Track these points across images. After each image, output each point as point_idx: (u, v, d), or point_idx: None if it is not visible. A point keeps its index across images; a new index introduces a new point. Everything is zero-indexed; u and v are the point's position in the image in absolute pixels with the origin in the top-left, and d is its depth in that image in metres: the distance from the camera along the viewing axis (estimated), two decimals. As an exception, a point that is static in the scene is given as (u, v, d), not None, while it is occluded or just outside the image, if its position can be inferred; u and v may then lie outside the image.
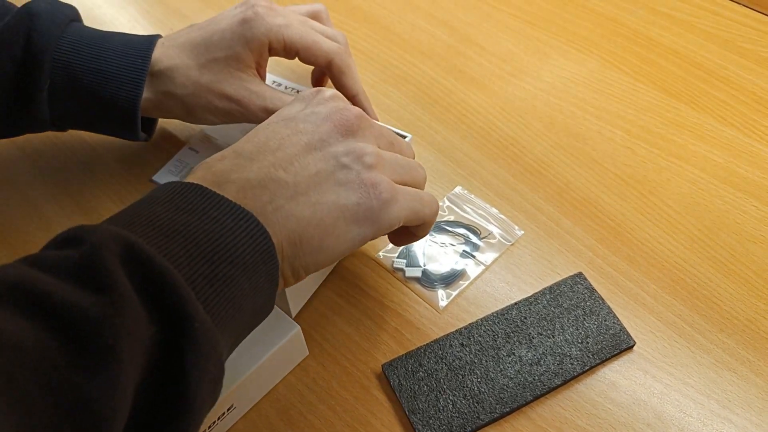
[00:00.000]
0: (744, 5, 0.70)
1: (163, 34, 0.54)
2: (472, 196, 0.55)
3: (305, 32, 0.52)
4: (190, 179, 0.38)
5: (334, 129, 0.40)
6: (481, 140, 0.60)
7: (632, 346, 0.47)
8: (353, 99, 0.55)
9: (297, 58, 0.54)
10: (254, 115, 0.52)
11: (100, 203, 0.57)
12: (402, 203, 0.40)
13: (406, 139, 0.52)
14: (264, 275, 0.36)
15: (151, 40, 0.52)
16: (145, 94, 0.51)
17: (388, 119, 0.62)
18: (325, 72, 0.56)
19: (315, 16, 0.57)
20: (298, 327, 0.44)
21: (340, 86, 0.55)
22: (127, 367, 0.27)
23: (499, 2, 0.73)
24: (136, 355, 0.28)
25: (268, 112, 0.51)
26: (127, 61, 0.51)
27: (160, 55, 0.52)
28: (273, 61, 0.62)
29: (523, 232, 0.53)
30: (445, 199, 0.55)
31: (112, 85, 0.50)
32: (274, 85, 0.64)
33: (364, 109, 0.55)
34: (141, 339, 0.28)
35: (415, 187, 0.43)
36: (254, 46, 0.51)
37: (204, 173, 0.38)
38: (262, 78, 0.55)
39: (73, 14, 0.53)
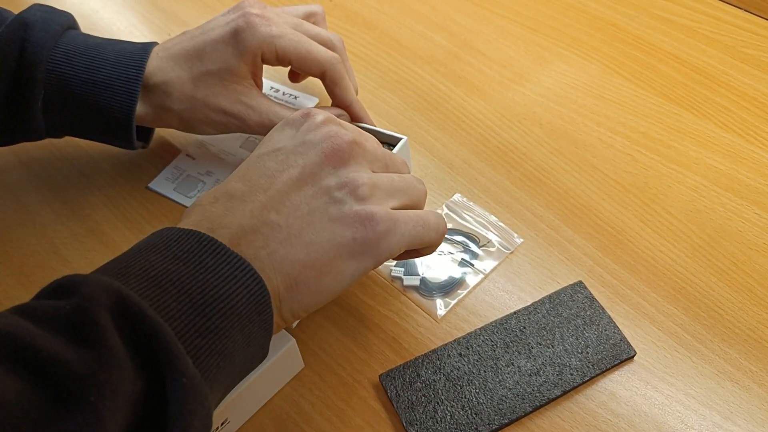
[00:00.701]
0: (746, 10, 0.69)
1: (160, 41, 0.54)
2: (471, 203, 0.55)
3: (299, 42, 0.51)
4: (186, 223, 0.37)
5: (325, 160, 0.39)
6: (480, 146, 0.59)
7: (633, 356, 0.46)
8: (347, 108, 0.55)
9: (290, 65, 0.53)
10: (251, 129, 0.53)
11: (96, 210, 0.57)
12: (402, 231, 0.39)
13: (402, 142, 0.52)
14: (258, 325, 0.35)
15: (145, 49, 0.51)
16: (141, 107, 0.51)
17: (387, 125, 0.61)
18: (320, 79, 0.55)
19: (310, 17, 0.57)
20: (293, 340, 0.44)
21: (333, 96, 0.54)
22: (109, 424, 0.27)
23: (499, 7, 0.72)
24: (119, 411, 0.28)
25: (265, 127, 0.52)
26: (121, 71, 0.50)
27: (154, 68, 0.51)
28: (271, 68, 0.61)
29: (522, 240, 0.53)
30: (443, 206, 0.55)
31: (106, 96, 0.50)
32: (271, 92, 0.64)
33: (359, 118, 0.55)
34: (126, 395, 0.28)
35: (416, 207, 0.43)
36: (248, 59, 0.51)
37: (199, 218, 0.38)
38: (259, 86, 0.54)
39: (68, 22, 0.52)
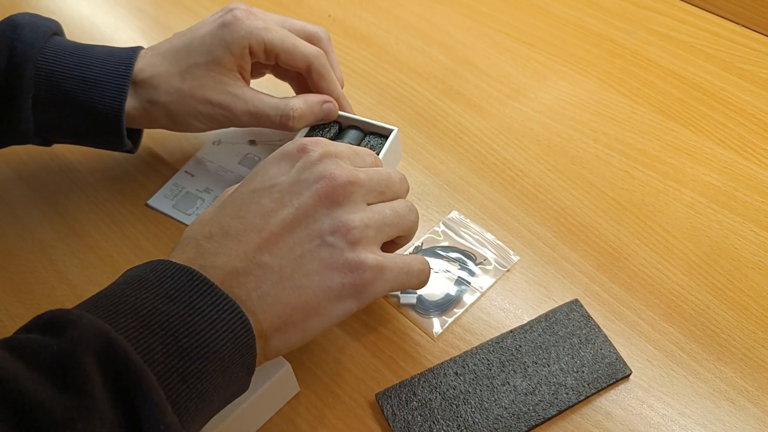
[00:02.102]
0: (744, 25, 0.69)
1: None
2: (468, 220, 0.55)
3: (285, 35, 0.53)
4: (180, 258, 0.38)
5: (319, 201, 0.40)
6: (477, 163, 0.59)
7: (628, 375, 0.47)
8: (333, 115, 0.56)
9: (276, 62, 0.54)
10: (238, 119, 0.53)
11: (95, 227, 0.57)
12: (387, 278, 0.40)
13: (393, 134, 0.53)
14: (240, 366, 0.36)
15: (134, 49, 0.53)
16: (130, 103, 0.51)
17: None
18: (304, 75, 0.56)
19: (314, 41, 0.56)
20: (288, 365, 0.44)
21: (318, 89, 0.55)
22: None
23: (496, 22, 0.72)
24: None
25: (252, 115, 0.53)
26: (110, 68, 0.51)
27: (143, 64, 0.52)
28: (265, 82, 0.62)
29: (519, 257, 0.53)
30: (440, 223, 0.55)
31: (95, 92, 0.50)
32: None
33: (343, 109, 0.56)
34: None
35: (407, 237, 0.44)
36: (235, 50, 0.51)
37: (193, 254, 0.38)
38: (247, 82, 0.54)
39: (55, 27, 0.53)
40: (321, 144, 0.43)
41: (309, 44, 0.54)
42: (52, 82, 0.50)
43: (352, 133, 0.55)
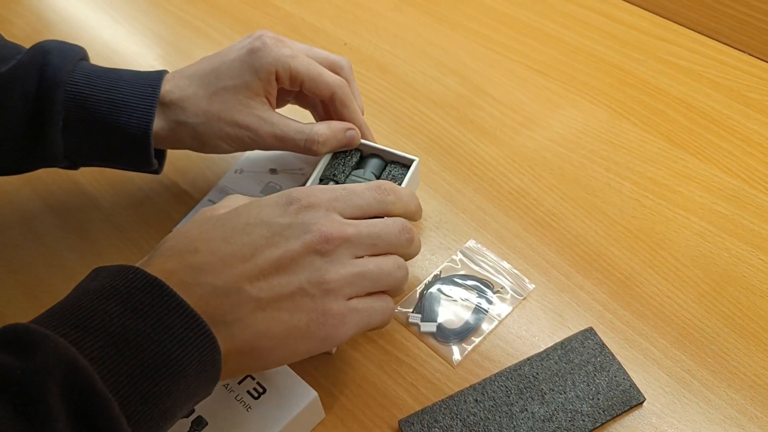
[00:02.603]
0: (750, 54, 0.71)
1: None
2: (485, 249, 0.57)
3: (310, 64, 0.55)
4: (160, 266, 0.39)
5: (306, 251, 0.42)
6: (492, 192, 0.61)
7: (642, 402, 0.48)
8: (356, 142, 0.58)
9: (301, 89, 0.56)
10: (264, 141, 0.55)
11: (121, 255, 0.59)
12: (349, 325, 0.42)
13: (414, 164, 0.55)
14: (204, 381, 0.38)
15: (160, 72, 0.55)
16: (158, 124, 0.53)
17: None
18: (327, 103, 0.58)
19: (333, 68, 0.58)
20: (315, 393, 0.46)
21: (341, 117, 0.57)
22: None
23: (509, 51, 0.74)
24: None
25: (277, 138, 0.54)
26: (138, 90, 0.53)
27: (170, 86, 0.54)
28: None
29: (534, 285, 0.55)
30: (458, 252, 0.57)
31: (124, 113, 0.52)
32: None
33: (365, 137, 0.58)
34: None
35: (394, 292, 0.46)
36: (262, 75, 0.53)
37: (176, 265, 0.39)
38: (273, 107, 0.56)
39: (82, 53, 0.55)
40: (314, 195, 0.44)
41: (332, 74, 0.56)
42: (82, 105, 0.52)
43: (374, 162, 0.57)
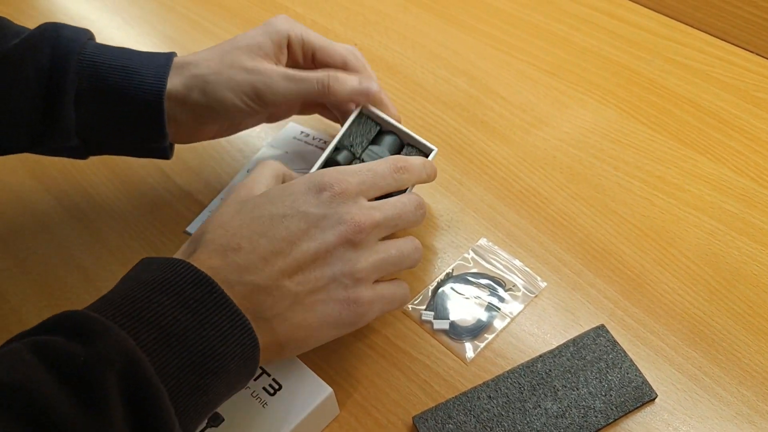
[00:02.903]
0: (758, 54, 0.72)
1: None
2: (496, 247, 0.57)
3: (321, 36, 0.57)
4: (205, 261, 0.41)
5: (340, 243, 0.44)
6: (503, 191, 0.62)
7: (654, 399, 0.49)
8: (372, 95, 0.56)
9: (312, 60, 0.57)
10: (277, 84, 0.53)
11: (136, 254, 0.59)
12: (376, 309, 0.46)
13: (432, 154, 0.55)
14: (243, 375, 0.40)
15: (173, 52, 0.55)
16: (171, 82, 0.52)
17: (413, 169, 0.64)
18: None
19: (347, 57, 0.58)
20: (331, 390, 0.46)
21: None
22: None
23: (519, 52, 0.75)
24: None
25: (289, 79, 0.53)
26: (152, 58, 0.53)
27: (184, 56, 0.55)
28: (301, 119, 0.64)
29: (546, 283, 0.55)
30: (470, 250, 0.57)
31: (136, 79, 0.51)
32: (301, 136, 0.67)
33: (384, 106, 0.57)
34: None
35: (410, 268, 0.49)
36: (275, 38, 0.54)
37: (220, 263, 0.41)
38: None
39: (90, 33, 0.55)
40: (345, 181, 0.46)
41: (344, 44, 0.58)
42: (94, 73, 0.51)
43: (391, 140, 0.56)
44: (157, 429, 0.34)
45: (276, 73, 0.53)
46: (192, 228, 0.60)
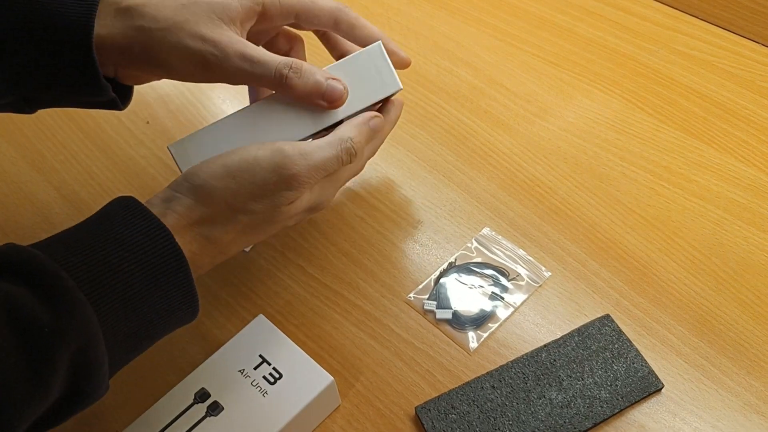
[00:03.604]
0: (764, 45, 0.71)
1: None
2: (500, 237, 0.57)
3: None
4: (185, 237, 0.42)
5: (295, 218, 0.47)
6: (507, 181, 0.61)
7: (660, 389, 0.48)
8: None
9: (296, 25, 0.51)
10: (230, 61, 0.45)
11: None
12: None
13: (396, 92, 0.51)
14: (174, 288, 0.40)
15: None
16: (111, 27, 0.44)
17: (415, 159, 0.63)
18: (332, 32, 0.52)
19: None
20: (332, 379, 0.45)
21: (356, 40, 0.52)
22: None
23: (522, 42, 0.74)
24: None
25: (246, 59, 0.45)
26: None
27: None
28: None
29: (550, 273, 0.54)
30: (473, 240, 0.57)
31: (60, 16, 0.43)
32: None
33: (392, 52, 0.51)
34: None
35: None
36: (246, 3, 0.46)
37: (200, 250, 0.43)
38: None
39: None
40: (312, 179, 0.45)
41: (331, 1, 0.50)
42: (15, 19, 0.43)
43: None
44: (88, 394, 0.36)
45: (232, 49, 0.45)
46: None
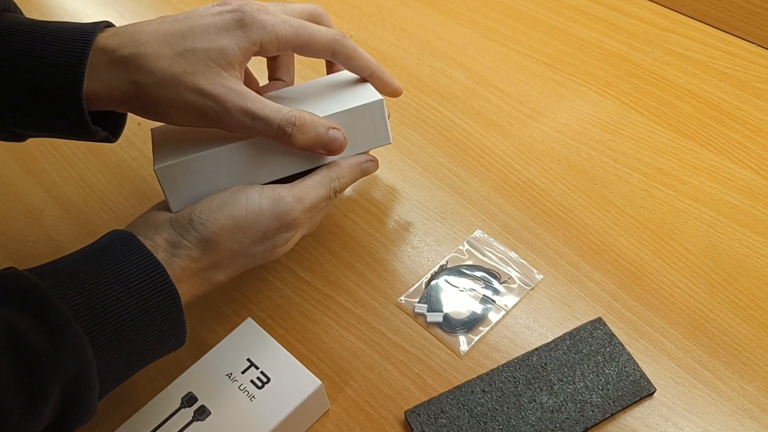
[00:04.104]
0: (759, 45, 0.71)
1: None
2: (492, 239, 0.56)
3: (299, 27, 0.48)
4: (187, 283, 0.44)
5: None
6: (499, 183, 0.61)
7: (653, 393, 0.47)
8: (371, 78, 0.52)
9: (294, 53, 0.50)
10: (231, 117, 0.45)
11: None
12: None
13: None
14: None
15: (96, 24, 0.45)
16: (111, 84, 0.44)
17: (407, 161, 0.63)
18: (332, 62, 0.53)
19: (313, 18, 0.52)
20: (320, 383, 0.45)
21: (352, 71, 0.52)
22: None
23: (515, 43, 0.74)
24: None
25: (247, 115, 0.45)
26: (66, 44, 0.43)
27: (124, 40, 0.44)
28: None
29: (542, 276, 0.54)
30: (465, 242, 0.56)
31: (49, 73, 0.43)
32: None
33: (389, 83, 0.53)
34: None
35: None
36: (243, 45, 0.46)
37: (200, 288, 0.46)
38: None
39: (7, 4, 0.46)
40: (304, 212, 0.48)
41: (325, 29, 0.49)
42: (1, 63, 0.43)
43: None
44: (78, 418, 0.37)
45: (232, 104, 0.44)
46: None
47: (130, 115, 0.68)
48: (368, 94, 0.51)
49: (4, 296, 0.36)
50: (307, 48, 0.49)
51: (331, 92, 0.52)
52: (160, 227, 0.44)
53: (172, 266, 0.42)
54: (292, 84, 0.56)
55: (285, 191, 0.46)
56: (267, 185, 0.47)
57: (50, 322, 0.36)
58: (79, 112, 0.44)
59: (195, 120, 0.46)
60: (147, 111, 0.46)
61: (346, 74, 0.54)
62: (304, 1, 0.59)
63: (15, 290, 0.36)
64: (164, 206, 0.48)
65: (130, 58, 0.44)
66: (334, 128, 0.48)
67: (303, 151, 0.48)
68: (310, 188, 0.48)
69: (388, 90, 0.53)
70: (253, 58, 0.47)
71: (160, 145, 0.49)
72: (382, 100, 0.50)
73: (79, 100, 0.43)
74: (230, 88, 0.45)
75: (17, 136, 0.49)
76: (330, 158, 0.50)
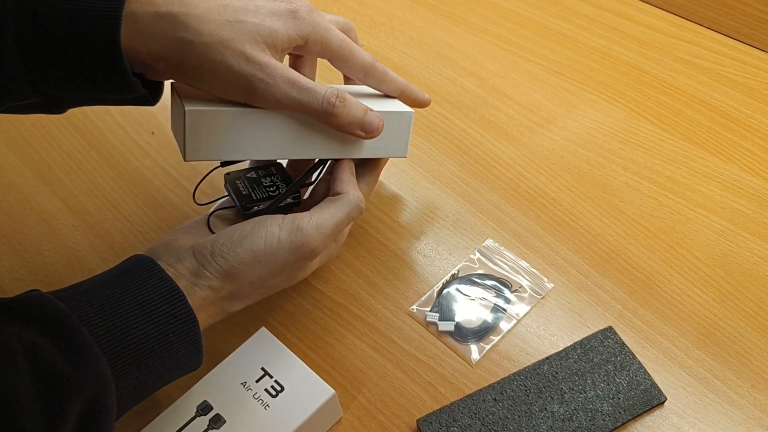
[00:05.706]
0: (768, 53, 0.71)
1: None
2: (503, 248, 0.57)
3: (343, 41, 0.49)
4: (207, 311, 0.45)
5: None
6: (510, 191, 0.61)
7: (663, 402, 0.48)
8: (400, 97, 0.55)
9: (329, 61, 0.51)
10: (276, 85, 0.44)
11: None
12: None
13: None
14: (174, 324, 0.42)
15: None
16: (147, 37, 0.43)
17: (418, 170, 0.63)
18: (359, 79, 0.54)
19: (344, 31, 0.52)
20: (333, 392, 0.45)
21: (384, 91, 0.54)
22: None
23: (525, 51, 0.74)
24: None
25: (294, 86, 0.45)
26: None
27: None
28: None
29: (553, 285, 0.54)
30: (476, 251, 0.57)
31: (87, 17, 0.41)
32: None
33: (416, 95, 0.55)
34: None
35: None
36: (292, 34, 0.46)
37: (216, 316, 0.46)
38: None
39: None
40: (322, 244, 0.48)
41: (365, 52, 0.51)
42: (33, 14, 0.41)
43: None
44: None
45: (279, 73, 0.44)
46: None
47: (143, 124, 0.69)
48: (398, 105, 0.53)
49: (28, 318, 0.37)
50: (343, 63, 0.50)
51: (359, 98, 0.52)
52: (182, 255, 0.45)
53: (194, 295, 0.43)
54: None
55: (304, 221, 0.46)
56: (287, 215, 0.46)
57: (72, 344, 0.37)
58: (117, 58, 0.42)
59: (233, 90, 0.45)
60: (184, 73, 0.44)
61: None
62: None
63: (39, 313, 0.37)
64: (183, 230, 0.49)
65: (178, 15, 0.43)
66: (371, 111, 0.49)
67: (324, 138, 0.49)
68: (330, 216, 0.47)
69: (416, 104, 0.56)
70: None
71: (184, 92, 0.46)
72: (412, 112, 0.52)
73: (117, 45, 0.41)
74: (276, 62, 0.45)
75: (56, 104, 0.47)
76: (348, 152, 0.51)
